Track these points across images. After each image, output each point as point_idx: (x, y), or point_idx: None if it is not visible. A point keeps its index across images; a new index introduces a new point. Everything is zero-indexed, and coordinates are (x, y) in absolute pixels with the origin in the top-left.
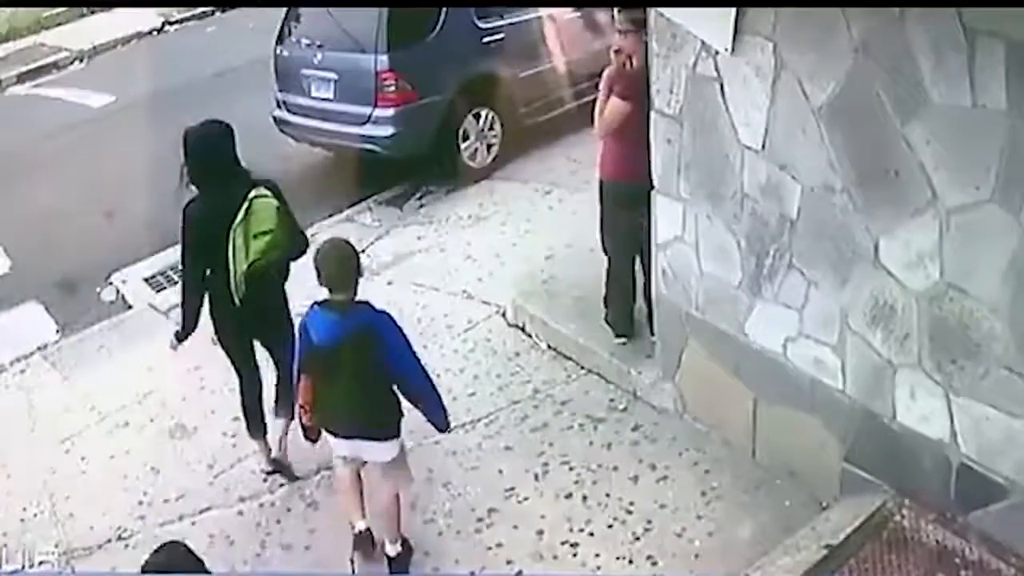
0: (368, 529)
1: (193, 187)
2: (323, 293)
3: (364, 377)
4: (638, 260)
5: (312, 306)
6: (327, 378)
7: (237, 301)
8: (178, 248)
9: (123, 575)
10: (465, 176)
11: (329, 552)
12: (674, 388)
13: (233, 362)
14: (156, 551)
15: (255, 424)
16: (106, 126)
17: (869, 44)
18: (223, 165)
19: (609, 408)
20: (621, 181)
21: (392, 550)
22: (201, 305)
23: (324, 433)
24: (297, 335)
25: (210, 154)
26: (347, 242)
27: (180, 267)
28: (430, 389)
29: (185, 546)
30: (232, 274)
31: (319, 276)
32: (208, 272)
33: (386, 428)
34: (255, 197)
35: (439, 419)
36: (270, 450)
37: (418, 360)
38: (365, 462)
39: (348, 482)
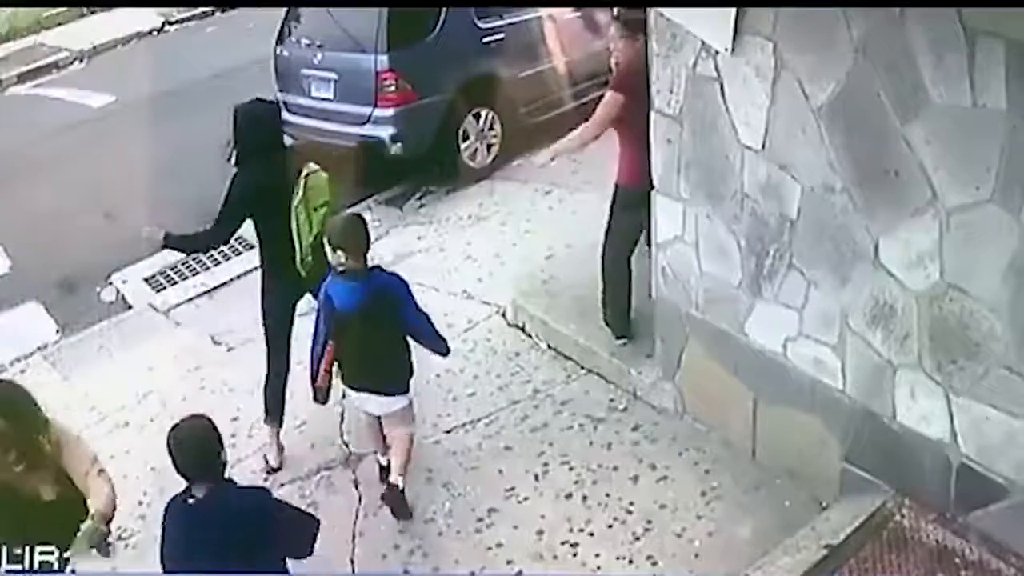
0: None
1: (237, 162)
2: None
3: (383, 337)
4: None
5: (330, 276)
6: (350, 340)
7: (304, 272)
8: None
9: (123, 575)
10: (465, 176)
11: (329, 552)
12: (674, 388)
13: (271, 344)
14: (182, 420)
15: (275, 411)
16: (106, 126)
17: (869, 44)
18: (269, 141)
19: (609, 408)
20: (639, 187)
21: (399, 480)
22: (203, 251)
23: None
24: (320, 303)
25: (257, 130)
26: (357, 215)
27: (215, 223)
28: (434, 333)
29: (208, 419)
30: (299, 248)
31: (333, 249)
32: (264, 254)
33: (400, 384)
34: (309, 174)
35: (442, 349)
36: (279, 447)
37: (424, 312)
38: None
39: (374, 429)
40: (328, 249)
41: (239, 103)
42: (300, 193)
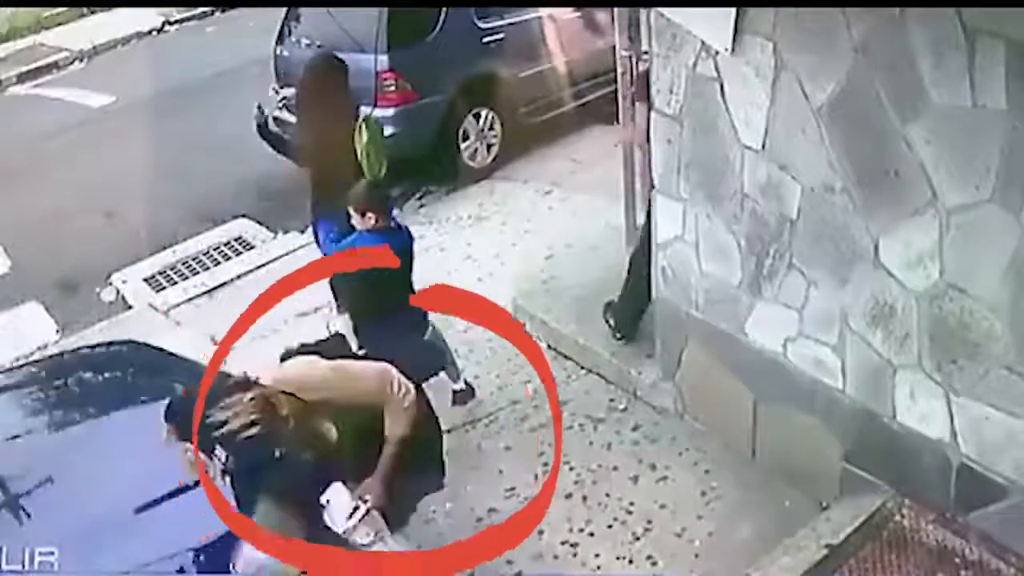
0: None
1: (297, 112)
2: None
3: (406, 288)
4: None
5: (356, 232)
6: (373, 294)
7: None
8: (177, 248)
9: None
10: (465, 176)
11: None
12: (674, 388)
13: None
14: None
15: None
16: (106, 126)
17: (869, 44)
18: (332, 96)
19: (609, 408)
20: None
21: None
22: None
23: None
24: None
25: (318, 84)
26: (374, 178)
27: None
28: None
29: None
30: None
31: (361, 213)
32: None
33: (424, 327)
34: (366, 117)
35: None
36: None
37: None
38: None
39: None
40: (354, 215)
41: (315, 55)
42: (364, 135)
